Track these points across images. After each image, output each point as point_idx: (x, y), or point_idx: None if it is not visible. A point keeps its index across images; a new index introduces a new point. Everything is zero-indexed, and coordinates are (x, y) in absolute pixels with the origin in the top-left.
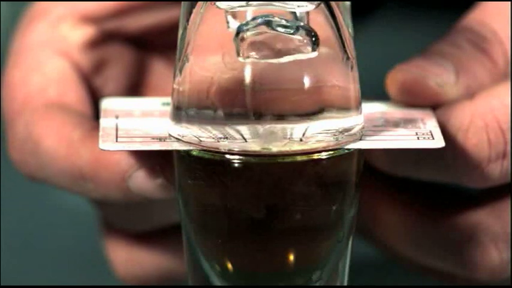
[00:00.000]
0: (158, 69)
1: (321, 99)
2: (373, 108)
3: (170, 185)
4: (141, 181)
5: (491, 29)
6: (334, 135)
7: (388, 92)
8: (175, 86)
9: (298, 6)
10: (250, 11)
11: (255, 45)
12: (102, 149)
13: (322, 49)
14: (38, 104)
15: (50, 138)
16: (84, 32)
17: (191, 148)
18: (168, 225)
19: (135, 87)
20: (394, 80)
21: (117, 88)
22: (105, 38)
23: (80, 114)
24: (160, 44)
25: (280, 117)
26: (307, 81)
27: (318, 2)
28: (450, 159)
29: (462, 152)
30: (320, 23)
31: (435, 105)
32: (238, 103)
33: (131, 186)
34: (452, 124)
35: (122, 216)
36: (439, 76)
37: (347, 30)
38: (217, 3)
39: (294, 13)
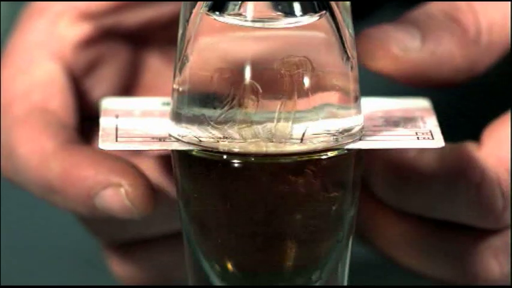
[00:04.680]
0: (153, 67)
1: (321, 100)
2: (373, 106)
3: (136, 207)
4: (107, 200)
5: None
6: (334, 135)
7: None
8: (175, 86)
9: None
10: (250, 8)
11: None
12: (102, 149)
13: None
14: (19, 108)
15: (24, 147)
16: (81, 29)
17: (191, 148)
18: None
19: (128, 86)
20: (359, 43)
21: (111, 87)
22: (101, 35)
23: (61, 122)
24: (157, 40)
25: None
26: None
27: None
28: (464, 209)
29: (476, 203)
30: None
31: (399, 69)
32: (238, 103)
33: (97, 203)
34: (463, 176)
35: (98, 227)
36: (402, 41)
37: (347, 30)
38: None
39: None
